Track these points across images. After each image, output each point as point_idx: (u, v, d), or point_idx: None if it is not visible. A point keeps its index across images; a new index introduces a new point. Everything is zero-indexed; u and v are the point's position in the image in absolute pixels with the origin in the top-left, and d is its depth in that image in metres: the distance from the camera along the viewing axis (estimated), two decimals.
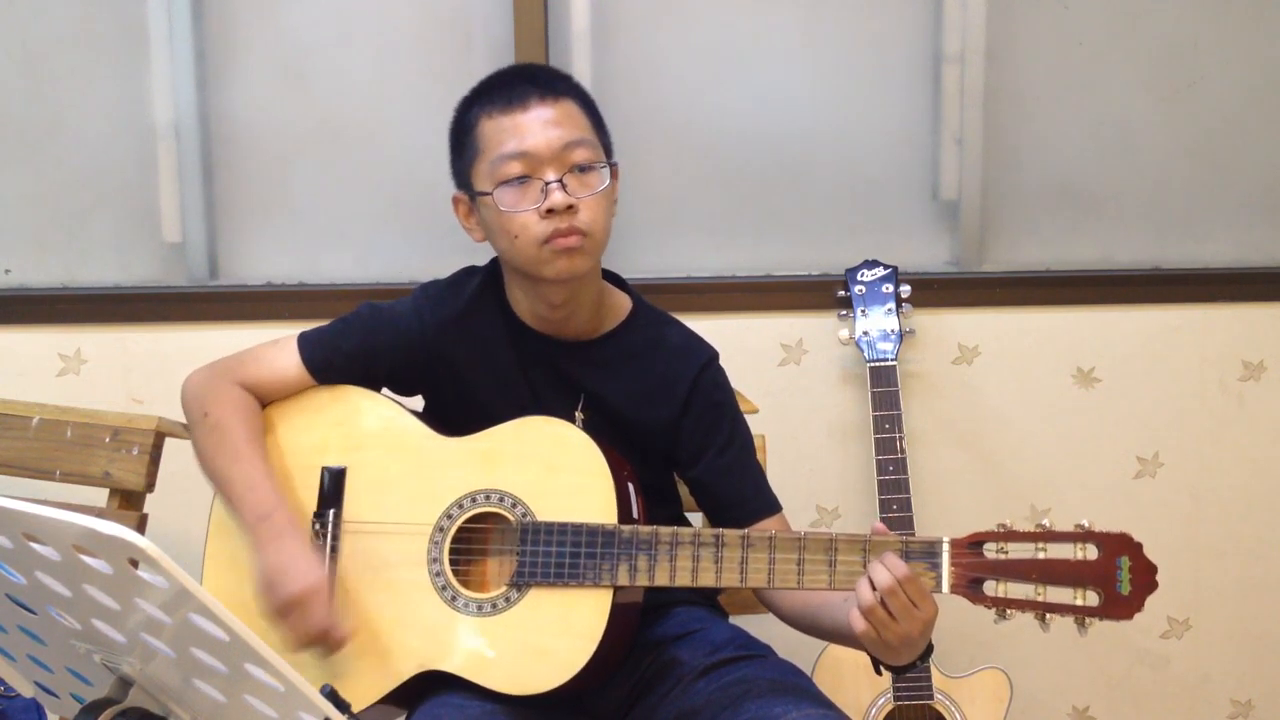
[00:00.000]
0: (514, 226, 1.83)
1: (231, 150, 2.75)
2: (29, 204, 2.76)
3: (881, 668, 1.74)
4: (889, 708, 2.47)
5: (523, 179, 1.82)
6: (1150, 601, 2.74)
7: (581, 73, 2.65)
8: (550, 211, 1.80)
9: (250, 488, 1.84)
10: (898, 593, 1.63)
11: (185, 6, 2.68)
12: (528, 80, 1.87)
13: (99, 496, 2.24)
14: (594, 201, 1.83)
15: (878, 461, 2.49)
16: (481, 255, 2.06)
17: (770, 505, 1.96)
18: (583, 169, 1.83)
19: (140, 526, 2.20)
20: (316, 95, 2.73)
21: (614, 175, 1.90)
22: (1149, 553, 1.65)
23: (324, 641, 1.77)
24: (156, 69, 2.70)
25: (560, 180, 1.81)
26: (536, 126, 1.82)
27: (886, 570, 1.64)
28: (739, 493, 1.93)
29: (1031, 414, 2.74)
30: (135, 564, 1.17)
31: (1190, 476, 2.76)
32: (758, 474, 1.99)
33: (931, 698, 2.47)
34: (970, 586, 1.65)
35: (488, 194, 1.84)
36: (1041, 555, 1.64)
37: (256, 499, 1.83)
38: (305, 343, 1.95)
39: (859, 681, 2.44)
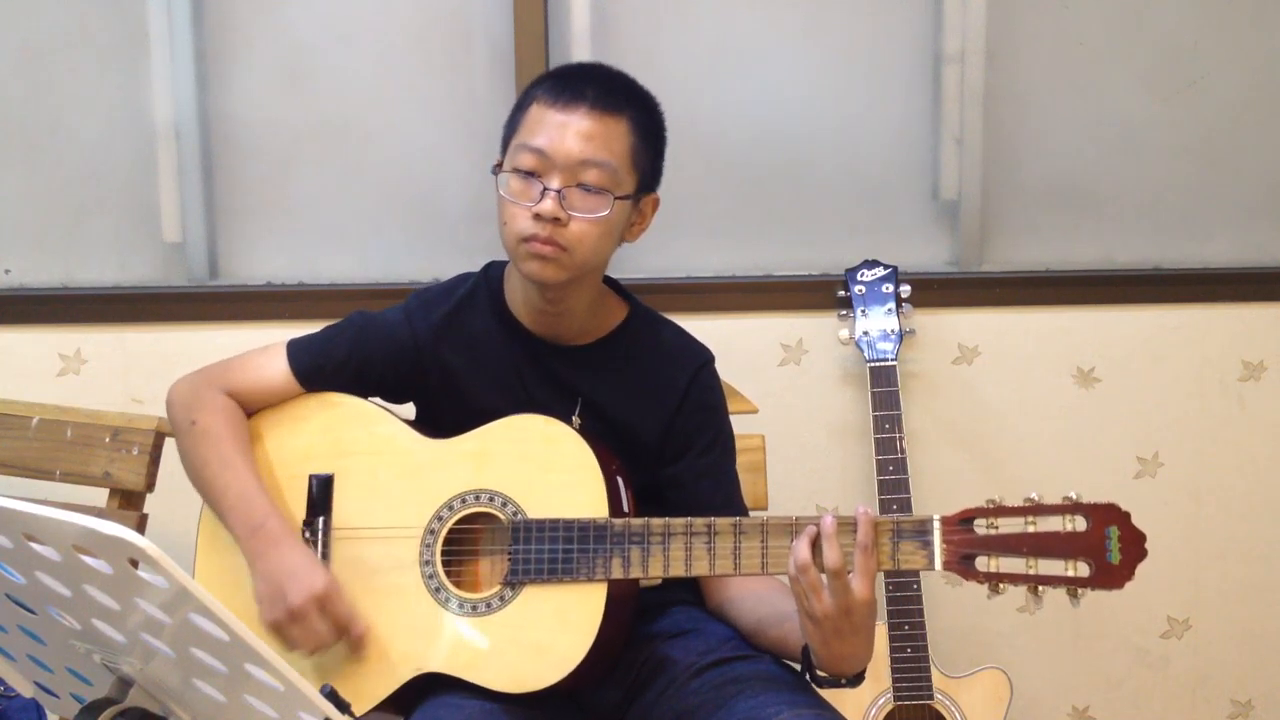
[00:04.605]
0: (505, 214, 1.85)
1: (231, 150, 2.75)
2: (29, 204, 2.76)
3: (810, 674, 1.73)
4: (889, 707, 2.47)
5: (531, 174, 1.83)
6: (1150, 601, 2.77)
7: None
8: (538, 216, 1.81)
9: (241, 497, 1.84)
10: (841, 575, 1.63)
11: (185, 6, 2.69)
12: (591, 83, 1.86)
13: (99, 496, 2.24)
14: (587, 223, 1.83)
15: (878, 461, 2.49)
16: (480, 258, 2.06)
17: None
18: (588, 189, 1.83)
19: (140, 526, 2.20)
20: (316, 95, 2.73)
21: (640, 206, 1.91)
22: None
23: (342, 639, 1.78)
24: (156, 69, 2.70)
25: (560, 191, 1.81)
26: (567, 131, 1.82)
27: (836, 556, 1.63)
28: (710, 499, 1.92)
29: (1031, 414, 2.74)
30: (135, 564, 1.17)
31: (1190, 476, 2.76)
32: (732, 484, 1.99)
33: (931, 698, 2.47)
34: (962, 563, 1.65)
35: (500, 171, 1.87)
36: (1031, 529, 1.65)
37: (248, 509, 1.83)
38: (294, 349, 1.95)
39: None
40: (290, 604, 1.76)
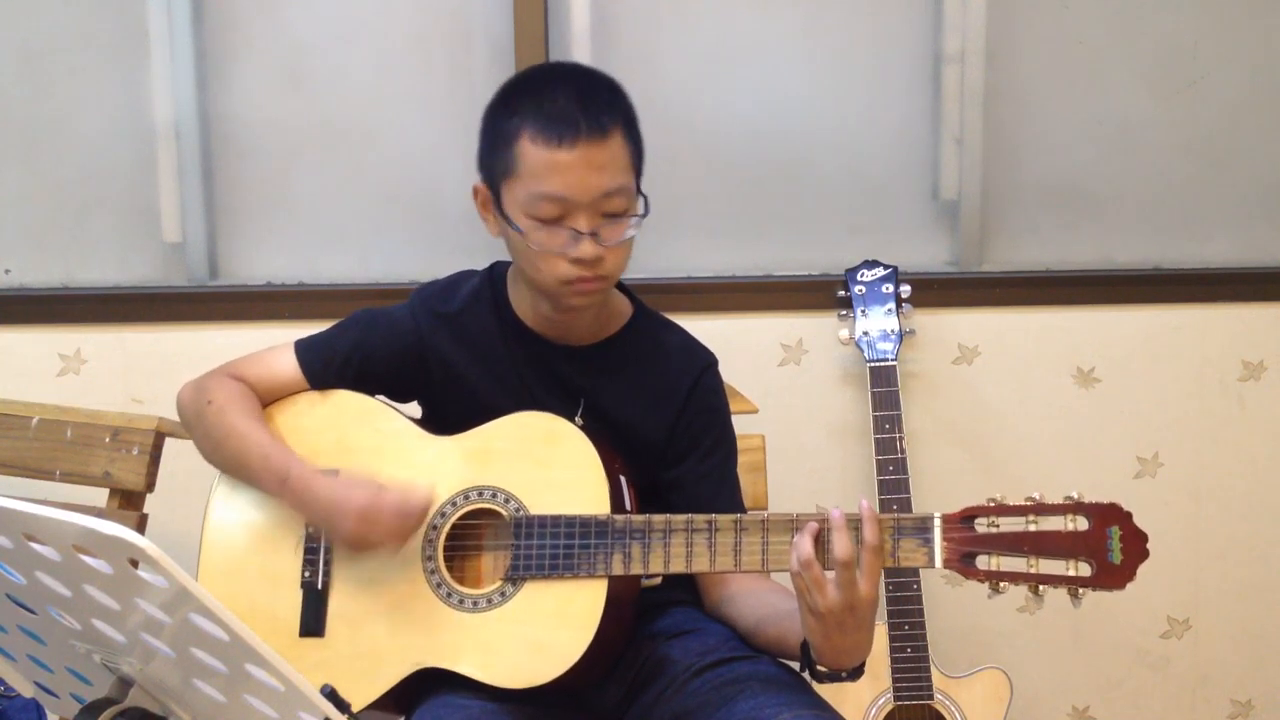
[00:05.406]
0: (540, 262, 1.83)
1: (231, 150, 2.75)
2: (29, 204, 2.76)
3: (810, 669, 1.73)
4: (889, 708, 2.47)
5: (556, 220, 1.81)
6: (1150, 601, 2.77)
7: None
8: (578, 260, 1.81)
9: (263, 457, 1.86)
10: (850, 567, 1.62)
11: (185, 6, 2.69)
12: (578, 107, 1.81)
13: (99, 496, 2.24)
14: (621, 247, 1.83)
15: (878, 461, 2.49)
16: (481, 258, 2.06)
17: None
18: (613, 217, 1.82)
19: (140, 526, 2.20)
20: (316, 95, 2.73)
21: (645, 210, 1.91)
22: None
23: (416, 520, 1.79)
24: (156, 69, 2.70)
25: (593, 232, 1.80)
26: (580, 170, 1.79)
27: (847, 547, 1.63)
28: (711, 502, 1.90)
29: (1031, 414, 2.74)
30: (135, 564, 1.17)
31: (1190, 476, 2.77)
32: (734, 487, 1.99)
33: (931, 698, 2.47)
34: (963, 561, 1.65)
35: (518, 228, 1.82)
36: (1033, 528, 1.64)
37: (272, 465, 1.85)
38: (301, 346, 1.97)
39: (859, 681, 2.44)
40: (346, 530, 1.78)
